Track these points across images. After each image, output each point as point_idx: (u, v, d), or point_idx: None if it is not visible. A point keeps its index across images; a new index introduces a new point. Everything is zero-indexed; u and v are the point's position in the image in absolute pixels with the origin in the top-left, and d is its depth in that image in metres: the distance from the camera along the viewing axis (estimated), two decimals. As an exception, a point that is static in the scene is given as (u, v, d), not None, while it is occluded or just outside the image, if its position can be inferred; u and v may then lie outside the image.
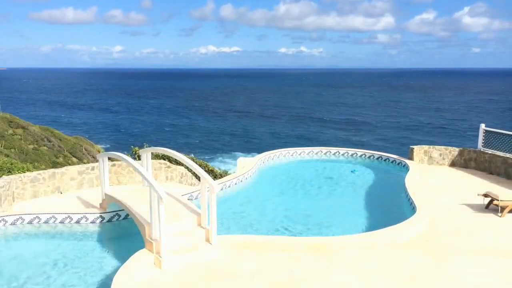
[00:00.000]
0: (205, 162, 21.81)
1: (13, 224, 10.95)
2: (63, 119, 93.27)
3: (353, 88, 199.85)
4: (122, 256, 8.73)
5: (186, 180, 15.99)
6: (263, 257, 8.83)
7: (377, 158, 18.83)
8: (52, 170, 13.71)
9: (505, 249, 9.48)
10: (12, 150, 26.61)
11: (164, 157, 17.49)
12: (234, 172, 17.01)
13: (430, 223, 10.81)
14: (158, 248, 8.41)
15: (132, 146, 20.93)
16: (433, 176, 16.19)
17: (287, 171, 17.68)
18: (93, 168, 14.24)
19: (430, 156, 18.07)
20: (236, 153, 56.67)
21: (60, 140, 33.01)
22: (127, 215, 11.05)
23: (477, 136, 17.63)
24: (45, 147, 30.18)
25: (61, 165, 23.94)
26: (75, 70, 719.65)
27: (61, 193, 13.51)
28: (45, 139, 31.19)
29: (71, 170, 13.88)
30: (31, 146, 29.19)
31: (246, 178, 15.39)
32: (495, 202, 11.76)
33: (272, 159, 18.83)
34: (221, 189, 13.76)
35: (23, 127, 31.34)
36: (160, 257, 8.28)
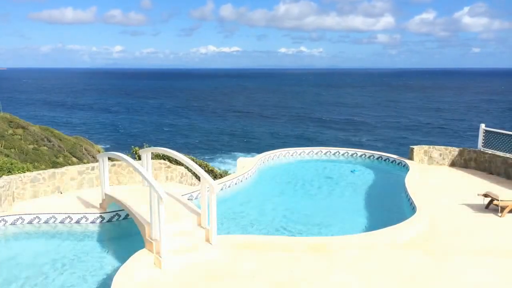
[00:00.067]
0: (205, 162, 21.82)
1: (13, 224, 10.95)
2: (63, 119, 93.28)
3: (353, 88, 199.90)
4: (122, 256, 8.73)
5: (186, 180, 15.99)
6: (263, 257, 8.83)
7: (377, 158, 18.83)
8: (52, 170, 13.71)
9: (505, 249, 9.48)
10: (12, 150, 26.61)
11: (164, 157, 17.49)
12: (234, 172, 17.01)
13: (430, 223, 10.81)
14: (158, 248, 8.41)
15: (132, 146, 20.93)
16: (433, 176, 16.19)
17: (287, 171, 17.68)
18: (93, 168, 14.24)
19: (430, 156, 18.07)
20: (236, 153, 56.66)
21: (60, 140, 33.01)
22: (127, 215, 11.05)
23: (477, 136, 17.63)
24: (45, 147, 30.18)
25: (61, 165, 23.93)
26: (75, 70, 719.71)
27: (61, 193, 13.51)
28: (45, 139, 31.19)
29: (71, 170, 13.88)
30: (31, 146, 29.18)
31: (246, 178, 15.39)
32: (495, 202, 11.76)
33: (272, 159, 18.83)
34: (221, 189, 13.76)
35: (23, 127, 31.34)
36: (160, 257, 8.28)
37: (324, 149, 19.93)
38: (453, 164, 17.85)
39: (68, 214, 11.18)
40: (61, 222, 11.15)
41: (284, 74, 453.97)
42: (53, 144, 31.16)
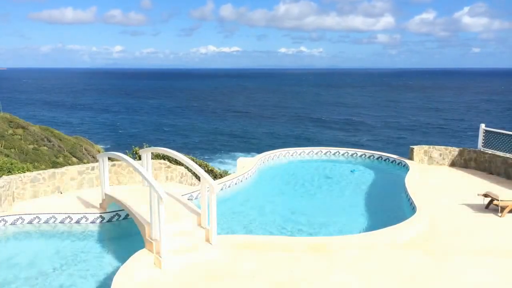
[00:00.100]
0: (205, 162, 21.82)
1: (13, 224, 10.95)
2: (63, 119, 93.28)
3: (353, 88, 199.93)
4: (122, 256, 8.73)
5: (186, 180, 15.99)
6: (263, 257, 8.83)
7: (377, 158, 18.83)
8: (52, 170, 13.71)
9: (505, 249, 9.48)
10: (12, 150, 26.60)
11: (164, 157, 17.49)
12: (234, 172, 17.01)
13: (430, 223, 10.81)
14: (158, 248, 8.41)
15: (133, 146, 20.94)
16: (433, 176, 16.19)
17: (287, 171, 17.68)
18: (93, 168, 14.24)
19: (430, 156, 18.07)
20: (236, 153, 56.66)
21: (60, 140, 33.01)
22: (127, 215, 11.05)
23: (477, 136, 17.63)
24: (45, 147, 30.17)
25: (61, 165, 23.93)
26: (75, 70, 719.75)
27: (61, 193, 13.51)
28: (45, 139, 31.19)
29: (71, 170, 13.88)
30: (31, 146, 29.18)
31: (246, 178, 15.39)
32: (495, 202, 11.76)
33: (272, 159, 18.83)
34: (221, 189, 13.76)
35: (23, 127, 31.34)
36: (160, 257, 8.28)
37: (324, 149, 19.93)
38: (453, 164, 17.85)
39: (68, 214, 11.18)
40: (61, 222, 11.15)
41: (284, 74, 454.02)
42: (53, 144, 31.16)
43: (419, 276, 8.12)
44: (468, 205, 12.52)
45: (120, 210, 11.28)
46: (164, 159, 16.35)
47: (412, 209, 11.61)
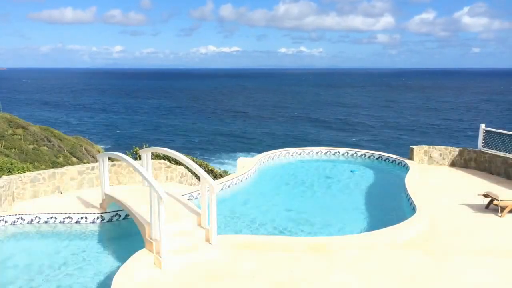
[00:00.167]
0: (205, 162, 21.82)
1: (13, 224, 10.95)
2: (63, 119, 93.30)
3: (353, 88, 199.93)
4: (122, 256, 8.73)
5: (186, 180, 15.99)
6: (263, 257, 8.83)
7: (377, 158, 18.83)
8: (52, 170, 13.71)
9: (505, 249, 9.48)
10: (12, 150, 26.60)
11: (164, 157, 17.49)
12: (234, 172, 17.01)
13: (430, 223, 10.81)
14: (158, 248, 8.41)
15: (133, 146, 20.94)
16: (433, 176, 16.19)
17: (287, 171, 17.68)
18: (93, 168, 14.24)
19: (430, 156, 18.07)
20: (236, 153, 56.66)
21: (60, 140, 33.01)
22: (127, 215, 11.05)
23: (477, 136, 17.63)
24: (45, 147, 30.17)
25: (61, 165, 23.93)
26: (75, 70, 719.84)
27: (61, 193, 13.51)
28: (45, 139, 31.19)
29: (71, 170, 13.88)
30: (31, 146, 29.18)
31: (246, 178, 15.39)
32: (495, 202, 11.76)
33: (272, 159, 18.83)
34: (221, 189, 13.76)
35: (23, 127, 31.34)
36: (160, 257, 8.28)
37: (324, 149, 19.93)
38: (453, 164, 17.85)
39: (68, 214, 11.18)
40: (61, 222, 11.15)
41: (284, 74, 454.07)
42: (53, 144, 31.16)
43: (419, 276, 8.12)
44: (468, 205, 12.52)
45: (120, 210, 11.28)
46: (164, 159, 16.35)
47: (412, 209, 11.61)
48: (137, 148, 19.91)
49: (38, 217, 11.13)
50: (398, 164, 17.83)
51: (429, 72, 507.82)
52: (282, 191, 15.06)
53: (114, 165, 14.50)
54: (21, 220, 11.03)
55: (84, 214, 11.21)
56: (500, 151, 16.34)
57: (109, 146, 60.38)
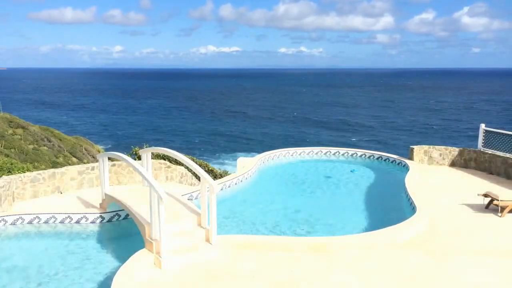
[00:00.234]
0: (205, 162, 21.82)
1: (13, 224, 10.95)
2: (62, 119, 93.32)
3: (353, 88, 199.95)
4: (122, 256, 8.73)
5: (186, 180, 15.99)
6: (263, 257, 8.83)
7: (377, 158, 18.83)
8: (52, 170, 13.71)
9: (505, 249, 9.48)
10: (12, 150, 26.60)
11: (164, 157, 17.49)
12: (234, 172, 17.01)
13: (430, 223, 10.81)
14: (158, 248, 8.41)
15: (132, 146, 20.94)
16: (433, 176, 16.19)
17: (287, 171, 17.68)
18: (93, 168, 14.24)
19: (430, 156, 18.07)
20: (236, 153, 56.66)
21: (60, 140, 33.01)
22: (127, 215, 11.05)
23: (477, 136, 17.63)
24: (45, 147, 30.17)
25: (61, 165, 23.93)
26: (75, 70, 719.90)
27: (61, 193, 13.51)
28: (45, 139, 31.19)
29: (71, 170, 13.88)
30: (31, 146, 29.17)
31: (246, 178, 15.39)
32: (495, 202, 11.76)
33: (272, 159, 18.83)
34: (221, 189, 13.76)
35: (23, 127, 31.34)
36: (160, 257, 8.28)
37: (324, 149, 19.93)
38: (453, 164, 17.85)
39: (68, 214, 11.18)
40: (61, 222, 11.15)
41: (284, 74, 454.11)
42: (53, 144, 31.16)
43: (419, 276, 8.12)
44: (468, 205, 12.52)
45: (120, 210, 11.27)
46: (164, 159, 16.35)
47: (412, 209, 11.61)
48: (137, 148, 19.90)
49: (38, 217, 11.13)
50: (398, 164, 17.84)
51: (429, 72, 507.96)
52: (282, 191, 15.06)
53: (114, 165, 14.50)
54: (21, 220, 11.03)
55: (84, 214, 11.21)
56: (500, 151, 16.34)
57: (109, 146, 60.38)
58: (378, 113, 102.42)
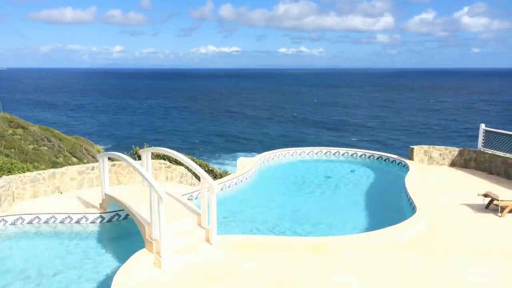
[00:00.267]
0: (205, 162, 21.81)
1: (13, 224, 10.95)
2: (62, 119, 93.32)
3: (352, 88, 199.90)
4: (122, 256, 8.73)
5: (186, 180, 15.98)
6: (263, 257, 8.83)
7: (377, 158, 18.83)
8: (52, 170, 13.71)
9: (505, 249, 9.48)
10: (12, 150, 26.60)
11: (164, 157, 17.49)
12: (234, 172, 17.01)
13: (430, 223, 10.81)
14: (158, 248, 8.41)
15: (133, 146, 20.94)
16: (433, 176, 16.19)
17: (287, 171, 17.69)
18: (93, 168, 14.24)
19: (430, 156, 18.07)
20: (236, 153, 56.65)
21: (60, 140, 33.00)
22: (127, 215, 11.05)
23: (477, 136, 17.63)
24: (45, 147, 30.17)
25: (61, 165, 23.92)
26: (75, 70, 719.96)
27: (61, 193, 13.51)
28: (45, 139, 31.19)
29: (71, 170, 13.88)
30: (31, 146, 29.17)
31: (246, 178, 15.39)
32: (495, 202, 11.76)
33: (272, 159, 18.83)
34: (221, 189, 13.76)
35: (23, 127, 31.34)
36: (160, 257, 8.28)
37: (324, 149, 19.93)
38: (453, 164, 17.85)
39: (68, 214, 11.18)
40: (61, 222, 11.15)
41: (284, 74, 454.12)
42: (53, 144, 31.16)
43: (419, 276, 8.12)
44: (468, 205, 12.52)
45: (120, 210, 11.27)
46: (164, 159, 16.35)
47: (412, 209, 11.61)
48: (137, 148, 19.90)
49: (38, 217, 11.13)
50: (398, 164, 17.84)
51: (429, 72, 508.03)
52: (282, 191, 15.05)
53: (114, 165, 14.50)
54: (21, 220, 11.03)
55: (84, 214, 11.21)
56: (500, 151, 16.34)
57: (109, 146, 60.38)
58: (378, 113, 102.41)
